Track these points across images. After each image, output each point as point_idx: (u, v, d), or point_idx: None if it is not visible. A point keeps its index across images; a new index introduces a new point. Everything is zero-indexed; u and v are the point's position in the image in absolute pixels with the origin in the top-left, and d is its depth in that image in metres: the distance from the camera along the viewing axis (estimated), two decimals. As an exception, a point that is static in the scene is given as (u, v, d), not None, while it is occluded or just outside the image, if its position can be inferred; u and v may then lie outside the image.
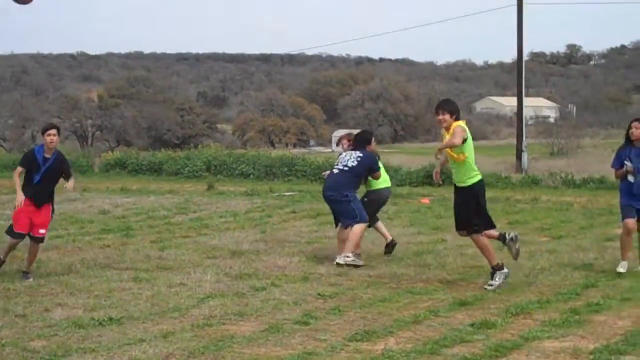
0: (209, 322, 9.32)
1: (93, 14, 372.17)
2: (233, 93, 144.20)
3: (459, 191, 11.61)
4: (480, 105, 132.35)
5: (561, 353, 8.07)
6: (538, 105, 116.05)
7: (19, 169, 12.50)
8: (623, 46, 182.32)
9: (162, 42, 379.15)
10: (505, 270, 11.47)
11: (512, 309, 9.79)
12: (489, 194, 23.83)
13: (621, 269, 12.25)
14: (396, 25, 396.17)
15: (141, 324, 9.27)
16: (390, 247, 14.35)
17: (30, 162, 12.27)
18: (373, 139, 14.42)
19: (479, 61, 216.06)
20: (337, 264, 12.97)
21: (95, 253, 14.39)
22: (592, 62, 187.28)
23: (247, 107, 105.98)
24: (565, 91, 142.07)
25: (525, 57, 41.37)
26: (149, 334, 8.78)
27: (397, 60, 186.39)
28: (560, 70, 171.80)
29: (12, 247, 12.34)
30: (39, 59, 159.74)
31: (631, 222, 12.35)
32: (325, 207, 15.39)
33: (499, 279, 11.34)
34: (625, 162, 12.30)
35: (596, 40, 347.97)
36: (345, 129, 62.89)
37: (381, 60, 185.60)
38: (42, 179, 12.11)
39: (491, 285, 11.31)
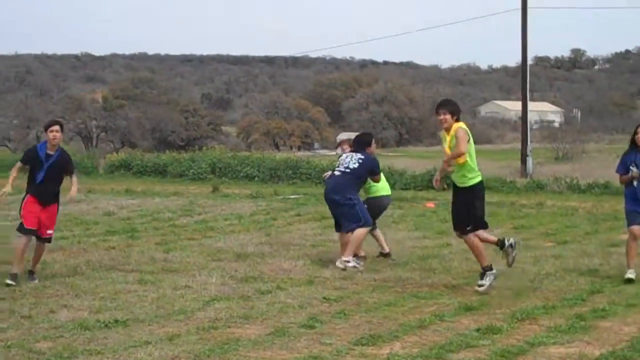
0: (214, 324, 9.33)
1: (97, 14, 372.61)
2: (237, 95, 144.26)
3: (459, 191, 11.59)
4: (484, 109, 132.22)
5: (567, 359, 8.08)
6: (542, 110, 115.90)
7: (19, 164, 12.49)
8: (627, 51, 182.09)
9: (166, 44, 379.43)
10: (494, 271, 11.47)
11: (518, 314, 9.78)
12: (494, 198, 24.09)
13: (630, 275, 12.20)
14: (400, 28, 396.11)
15: (147, 326, 9.28)
16: (385, 255, 14.34)
17: (32, 158, 12.26)
18: (373, 141, 14.40)
19: (483, 65, 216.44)
20: (341, 268, 12.97)
21: (101, 255, 14.41)
22: (596, 67, 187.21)
23: (252, 109, 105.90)
24: (570, 96, 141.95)
25: (529, 62, 41.39)
26: (155, 336, 8.79)
27: (401, 64, 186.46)
28: (565, 74, 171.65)
29: (23, 251, 12.09)
30: (43, 60, 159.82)
31: (637, 228, 12.30)
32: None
33: (488, 279, 11.35)
34: (631, 167, 12.26)
35: (600, 44, 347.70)
36: (349, 132, 62.83)
37: (385, 63, 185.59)
38: (46, 176, 12.06)
39: (481, 285, 11.32)
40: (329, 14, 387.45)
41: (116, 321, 9.39)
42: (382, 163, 31.31)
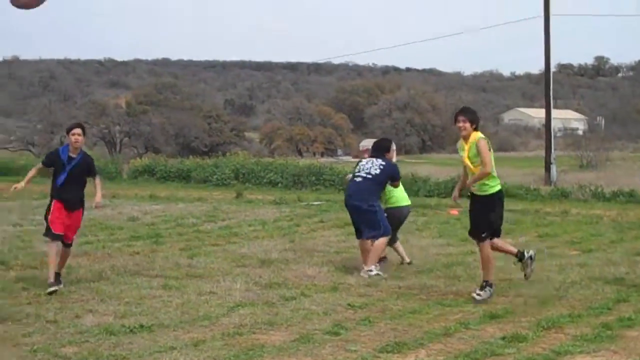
0: (239, 331, 9.32)
1: (120, 20, 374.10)
2: (260, 101, 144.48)
3: (479, 199, 11.49)
4: (507, 117, 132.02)
5: (594, 368, 8.04)
6: (566, 118, 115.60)
7: (39, 165, 12.46)
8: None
9: (189, 49, 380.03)
10: (494, 288, 11.40)
11: (543, 323, 9.72)
12: (518, 206, 24.03)
13: None
14: (423, 35, 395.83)
15: (172, 331, 9.29)
16: (408, 264, 14.33)
17: (53, 160, 12.19)
18: (392, 147, 14.36)
19: (506, 72, 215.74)
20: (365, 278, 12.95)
21: (125, 260, 14.43)
22: (620, 74, 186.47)
23: (274, 115, 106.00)
24: (594, 103, 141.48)
25: (552, 69, 41.18)
26: (180, 342, 8.80)
27: (424, 70, 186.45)
28: (588, 82, 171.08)
29: (55, 258, 11.93)
30: (66, 65, 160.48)
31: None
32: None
33: (486, 293, 11.26)
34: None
35: (624, 52, 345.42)
36: (372, 139, 62.77)
37: (408, 70, 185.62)
38: (68, 179, 11.98)
39: (479, 295, 11.23)
40: (351, 21, 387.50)
41: (141, 326, 9.40)
42: (406, 170, 31.36)
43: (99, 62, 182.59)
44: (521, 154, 75.76)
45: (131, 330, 9.23)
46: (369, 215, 13.44)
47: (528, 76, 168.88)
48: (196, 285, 12.06)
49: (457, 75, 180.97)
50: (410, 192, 28.38)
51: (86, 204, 12.40)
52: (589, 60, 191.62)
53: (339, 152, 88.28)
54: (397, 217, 14.15)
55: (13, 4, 8.85)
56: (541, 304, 10.96)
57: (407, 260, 14.34)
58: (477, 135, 11.28)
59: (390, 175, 13.73)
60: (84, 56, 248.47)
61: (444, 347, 8.74)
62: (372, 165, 13.65)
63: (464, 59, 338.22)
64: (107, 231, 18.57)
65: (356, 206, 13.61)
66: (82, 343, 8.76)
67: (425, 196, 28.75)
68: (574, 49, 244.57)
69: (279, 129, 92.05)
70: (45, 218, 12.15)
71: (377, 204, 13.53)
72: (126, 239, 17.36)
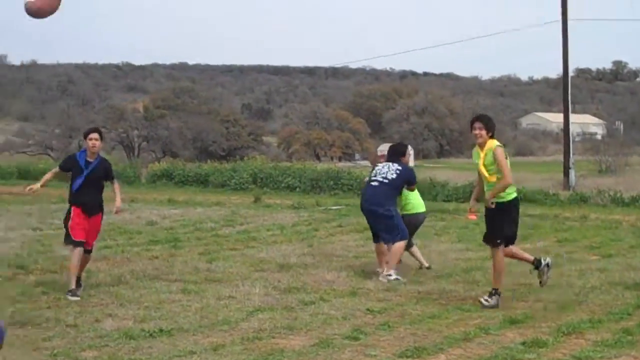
0: (258, 335, 9.31)
1: (138, 25, 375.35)
2: (277, 105, 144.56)
3: (497, 205, 11.43)
4: (525, 121, 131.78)
5: (615, 374, 8.00)
6: (584, 122, 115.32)
7: (56, 169, 12.44)
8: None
9: (206, 54, 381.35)
10: (501, 296, 11.34)
11: (564, 328, 9.67)
12: (537, 210, 23.97)
13: None
14: (440, 39, 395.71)
15: (191, 336, 9.29)
16: (427, 268, 14.31)
17: (71, 165, 12.15)
18: (407, 151, 14.35)
19: (524, 76, 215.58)
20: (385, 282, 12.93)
21: (144, 264, 14.45)
22: (638, 79, 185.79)
23: (292, 119, 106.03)
24: (612, 108, 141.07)
25: (570, 73, 41.09)
26: (199, 346, 8.80)
27: (441, 75, 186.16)
28: (607, 86, 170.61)
29: (77, 265, 11.87)
30: (84, 69, 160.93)
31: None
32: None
33: (494, 300, 11.19)
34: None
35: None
36: (390, 143, 62.69)
37: (425, 74, 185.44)
38: (85, 183, 11.92)
39: (487, 301, 11.16)
40: (369, 26, 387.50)
41: (161, 330, 9.41)
42: (424, 174, 31.34)
43: (117, 67, 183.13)
44: (539, 159, 75.57)
45: (151, 335, 9.25)
46: (386, 220, 13.43)
47: (546, 80, 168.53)
48: (215, 290, 12.07)
49: (475, 80, 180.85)
50: (428, 196, 28.60)
51: (105, 209, 12.41)
52: (607, 65, 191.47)
53: (357, 156, 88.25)
54: (413, 224, 14.13)
55: (28, 13, 8.84)
56: (561, 309, 10.92)
57: (426, 264, 14.32)
58: (494, 143, 11.22)
59: (407, 180, 13.72)
60: (102, 60, 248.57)
61: (464, 352, 8.72)
62: (388, 170, 13.63)
63: (481, 63, 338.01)
64: (126, 235, 18.59)
65: (372, 211, 13.61)
66: (102, 347, 8.77)
67: (444, 201, 28.73)
68: (592, 54, 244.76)
69: (297, 134, 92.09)
70: (65, 225, 12.09)
71: (393, 209, 13.51)
72: (145, 243, 17.38)
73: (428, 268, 14.21)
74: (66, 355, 8.44)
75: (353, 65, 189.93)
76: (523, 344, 8.99)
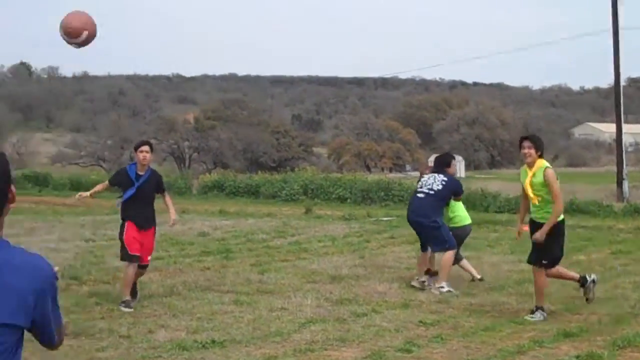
0: (311, 347, 9.32)
1: (187, 36, 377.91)
2: (327, 116, 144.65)
3: (540, 227, 11.22)
4: (578, 131, 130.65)
5: (673, 389, 7.89)
6: (637, 132, 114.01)
7: (106, 183, 12.49)
8: None
9: (256, 65, 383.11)
10: (546, 314, 11.23)
11: (619, 342, 9.55)
12: (590, 222, 23.74)
13: None
14: (490, 49, 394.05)
15: (244, 347, 9.31)
16: (479, 280, 14.23)
17: (121, 179, 12.18)
18: (453, 162, 14.32)
19: (575, 86, 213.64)
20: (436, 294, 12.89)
21: (196, 275, 14.51)
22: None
23: (342, 130, 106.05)
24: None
25: (622, 83, 40.62)
26: (252, 357, 8.83)
27: (491, 85, 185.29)
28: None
29: (132, 279, 11.91)
30: (135, 80, 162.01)
31: None
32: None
33: (539, 316, 11.12)
34: None
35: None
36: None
37: (475, 84, 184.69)
38: (136, 196, 11.90)
39: (533, 317, 11.11)
40: (417, 36, 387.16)
41: (213, 342, 9.45)
42: (475, 185, 31.14)
43: (167, 78, 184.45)
44: (592, 169, 74.95)
45: (203, 346, 9.28)
46: (433, 231, 13.45)
47: (597, 90, 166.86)
48: (267, 301, 12.09)
49: (525, 90, 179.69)
50: (479, 207, 28.45)
51: (165, 225, 12.46)
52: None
53: (408, 167, 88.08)
54: (459, 236, 14.07)
55: (67, 40, 8.67)
56: (616, 323, 10.80)
57: (478, 276, 14.24)
58: (544, 163, 11.13)
59: (453, 191, 13.74)
60: (152, 72, 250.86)
61: (518, 366, 8.65)
62: (434, 181, 13.63)
63: (531, 73, 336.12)
64: (178, 246, 18.67)
65: (419, 222, 13.65)
66: (155, 358, 8.83)
67: (496, 212, 28.51)
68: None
69: (347, 144, 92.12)
70: (120, 239, 12.07)
71: (439, 219, 13.49)
72: (197, 255, 17.45)
73: (480, 280, 14.14)
74: (120, 366, 8.50)
75: (402, 76, 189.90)
76: (577, 357, 8.92)
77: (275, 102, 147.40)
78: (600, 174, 56.49)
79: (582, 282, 11.80)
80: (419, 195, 13.73)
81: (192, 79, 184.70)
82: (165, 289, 13.06)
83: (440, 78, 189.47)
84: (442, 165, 14.00)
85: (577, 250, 17.63)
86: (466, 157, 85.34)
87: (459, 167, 58.44)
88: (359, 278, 14.39)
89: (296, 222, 25.01)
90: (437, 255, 13.96)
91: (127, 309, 11.44)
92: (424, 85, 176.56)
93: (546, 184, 10.97)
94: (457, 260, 14.03)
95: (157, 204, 12.38)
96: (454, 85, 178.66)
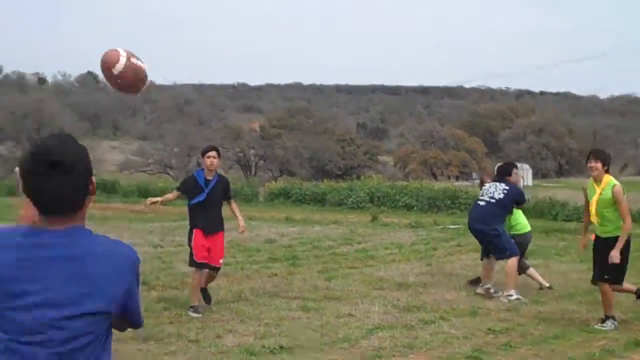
0: (379, 353, 9.30)
1: (252, 46, 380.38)
2: (392, 125, 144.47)
3: (605, 241, 11.00)
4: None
5: None
6: None
7: (175, 192, 12.43)
8: None
9: (320, 74, 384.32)
10: (617, 323, 11.07)
11: (693, 351, 9.42)
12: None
13: None
14: (557, 58, 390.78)
15: (312, 353, 9.32)
16: (548, 288, 14.10)
17: (189, 187, 12.14)
18: (514, 171, 14.28)
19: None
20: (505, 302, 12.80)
21: (264, 281, 14.56)
22: None
23: (407, 139, 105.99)
24: None
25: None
26: (320, 363, 8.82)
27: (558, 94, 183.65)
28: None
29: (199, 285, 11.97)
30: (201, 90, 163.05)
31: None
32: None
33: (609, 324, 10.98)
34: None
35: None
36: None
37: (542, 93, 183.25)
38: (206, 201, 11.91)
39: (603, 326, 10.97)
40: (485, 46, 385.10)
41: (281, 347, 9.47)
42: (543, 194, 30.86)
43: (232, 87, 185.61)
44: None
45: (271, 351, 9.31)
46: (494, 239, 13.42)
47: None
48: (334, 308, 12.09)
49: (593, 99, 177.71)
50: (548, 216, 28.22)
51: (233, 231, 12.48)
52: None
53: (474, 175, 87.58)
54: (521, 244, 13.98)
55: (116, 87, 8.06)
56: (688, 332, 10.64)
57: (546, 284, 14.13)
58: (612, 180, 11.01)
59: (515, 200, 13.70)
60: (217, 81, 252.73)
61: (589, 374, 8.56)
62: (495, 190, 13.62)
63: (599, 82, 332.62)
64: (246, 253, 18.75)
65: (479, 230, 13.63)
66: (223, 363, 8.86)
67: (565, 221, 28.25)
68: None
69: (413, 153, 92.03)
70: (189, 245, 12.12)
71: (500, 227, 13.44)
72: (264, 261, 17.50)
73: (549, 288, 14.02)
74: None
75: (467, 85, 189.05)
76: (650, 366, 8.79)
77: (340, 111, 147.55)
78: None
79: (639, 294, 11.68)
80: (480, 203, 13.78)
81: (257, 88, 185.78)
82: (233, 295, 13.12)
83: (506, 87, 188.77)
84: (504, 174, 14.00)
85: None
86: (533, 165, 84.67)
87: (526, 175, 57.94)
88: (426, 285, 14.34)
89: (362, 229, 24.99)
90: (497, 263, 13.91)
91: (195, 314, 11.50)
92: (490, 94, 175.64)
93: (614, 200, 10.86)
94: (523, 269, 13.97)
95: (223, 210, 12.41)
96: (520, 94, 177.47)
